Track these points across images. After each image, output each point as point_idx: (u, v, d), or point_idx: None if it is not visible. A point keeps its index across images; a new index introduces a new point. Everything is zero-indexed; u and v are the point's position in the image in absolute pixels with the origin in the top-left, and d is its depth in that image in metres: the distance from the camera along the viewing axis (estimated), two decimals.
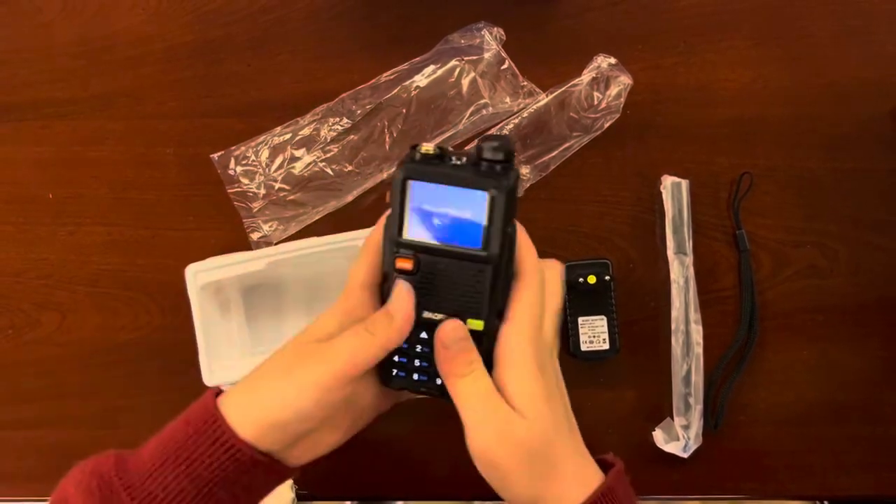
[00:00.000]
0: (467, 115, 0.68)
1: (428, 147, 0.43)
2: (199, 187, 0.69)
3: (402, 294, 0.44)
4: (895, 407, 0.67)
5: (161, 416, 0.67)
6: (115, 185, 0.70)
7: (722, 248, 0.68)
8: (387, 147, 0.68)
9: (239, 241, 0.68)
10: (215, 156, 0.69)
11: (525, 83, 0.69)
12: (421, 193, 0.43)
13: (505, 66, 0.69)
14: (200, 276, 0.61)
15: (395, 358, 0.47)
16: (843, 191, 0.68)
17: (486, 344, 0.46)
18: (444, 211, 0.43)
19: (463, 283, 0.44)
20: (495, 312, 0.45)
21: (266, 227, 0.68)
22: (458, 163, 0.43)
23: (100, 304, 0.69)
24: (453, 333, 0.45)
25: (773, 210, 0.68)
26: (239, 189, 0.68)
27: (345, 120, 0.69)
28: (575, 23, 0.71)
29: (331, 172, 0.68)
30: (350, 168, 0.68)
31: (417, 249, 0.44)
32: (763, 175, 0.68)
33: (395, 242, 0.44)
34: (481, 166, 0.42)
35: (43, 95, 0.71)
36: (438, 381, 0.47)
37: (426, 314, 0.45)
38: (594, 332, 0.65)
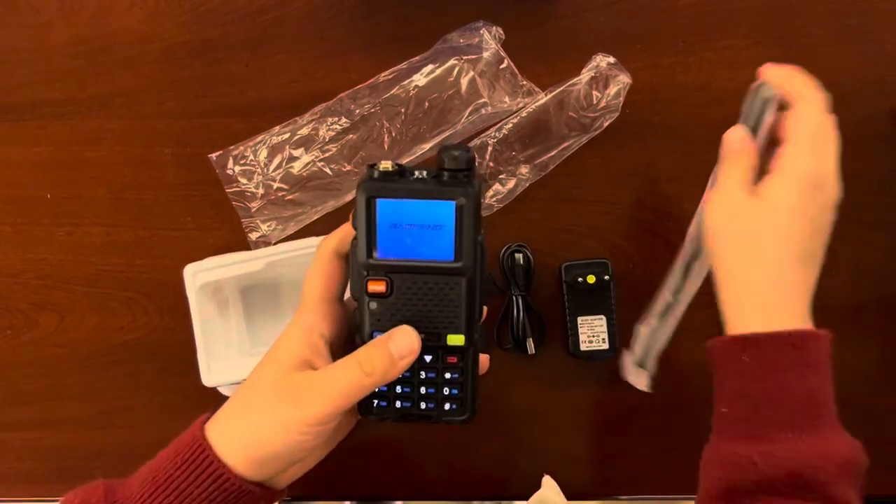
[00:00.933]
0: (466, 114, 0.68)
1: (386, 164, 0.42)
2: (198, 187, 0.69)
3: (411, 337, 0.44)
4: (894, 406, 0.67)
5: (160, 416, 0.68)
6: (113, 185, 0.70)
7: None
8: (386, 147, 0.68)
9: (237, 241, 0.68)
10: (213, 156, 0.69)
11: (524, 82, 0.68)
12: (386, 211, 0.42)
13: (504, 65, 0.68)
14: (199, 276, 0.61)
15: (376, 388, 0.45)
16: (842, 190, 0.68)
17: (469, 359, 0.45)
18: (411, 226, 0.42)
19: (438, 299, 0.44)
20: (475, 325, 0.45)
21: (265, 227, 0.68)
22: (420, 176, 0.42)
23: (98, 305, 0.69)
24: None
25: None
26: (237, 189, 0.68)
27: (343, 119, 0.68)
28: (573, 22, 0.71)
29: (329, 172, 0.68)
30: (349, 168, 0.68)
31: (388, 270, 0.43)
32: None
33: (364, 265, 0.43)
34: (443, 177, 0.42)
35: (40, 95, 0.71)
36: (423, 405, 0.46)
37: None
38: (593, 332, 0.65)
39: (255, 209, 0.68)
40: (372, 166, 0.43)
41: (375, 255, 0.43)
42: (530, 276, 0.67)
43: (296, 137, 0.68)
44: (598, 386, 0.67)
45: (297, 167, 0.68)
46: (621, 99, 0.67)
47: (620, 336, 0.65)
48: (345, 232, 0.45)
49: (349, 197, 0.68)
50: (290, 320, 0.47)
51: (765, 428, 0.46)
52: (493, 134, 0.68)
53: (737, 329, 0.49)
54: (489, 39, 0.68)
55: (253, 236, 0.68)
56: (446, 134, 0.68)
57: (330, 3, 0.71)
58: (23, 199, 0.70)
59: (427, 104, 0.68)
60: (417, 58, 0.69)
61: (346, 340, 0.48)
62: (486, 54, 0.68)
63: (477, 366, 0.47)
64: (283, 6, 0.72)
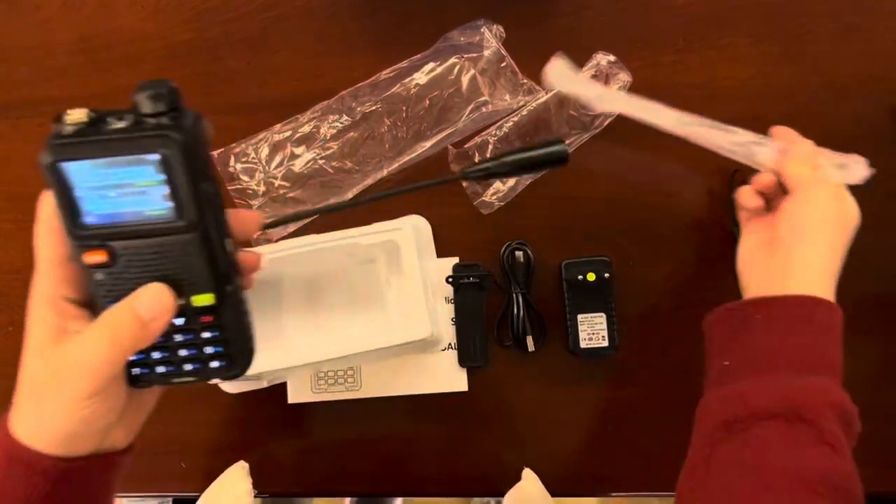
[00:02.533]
0: (467, 112, 0.68)
1: (77, 115, 0.37)
2: None
3: (158, 294, 0.39)
4: (894, 404, 0.67)
5: (161, 411, 0.67)
6: None
7: (721, 244, 0.68)
8: (386, 145, 0.68)
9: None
10: (215, 153, 0.69)
11: (525, 80, 0.69)
12: (81, 173, 0.36)
13: (504, 63, 0.69)
14: None
15: (131, 357, 0.41)
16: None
17: (225, 315, 0.41)
18: (118, 186, 0.36)
19: (174, 260, 0.38)
20: (224, 278, 0.40)
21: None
22: (118, 125, 0.36)
23: None
24: None
25: None
26: (239, 186, 0.68)
27: (344, 117, 0.69)
28: (574, 20, 0.71)
29: (330, 170, 0.68)
30: (350, 165, 0.68)
31: (104, 237, 0.37)
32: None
33: (74, 235, 0.37)
34: (144, 124, 0.36)
35: (42, 93, 0.71)
36: (187, 367, 0.42)
37: None
38: (593, 330, 0.65)
39: (256, 207, 0.68)
40: (59, 118, 0.37)
41: (82, 222, 0.37)
42: (530, 274, 0.67)
43: (297, 135, 0.69)
44: (598, 383, 0.67)
45: (298, 165, 0.68)
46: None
47: (620, 334, 0.65)
48: None
49: (350, 195, 0.69)
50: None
51: (762, 368, 0.50)
52: (493, 132, 0.68)
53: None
54: (490, 38, 0.68)
55: (254, 234, 0.68)
56: (447, 132, 0.68)
57: (331, 1, 0.72)
58: (24, 197, 0.70)
59: (428, 102, 0.68)
60: (418, 56, 0.69)
61: None
62: (486, 52, 0.68)
63: (240, 316, 0.42)
64: (284, 4, 0.72)
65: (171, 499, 0.82)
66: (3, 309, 0.69)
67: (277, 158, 0.68)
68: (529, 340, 0.66)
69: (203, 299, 0.39)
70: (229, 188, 0.69)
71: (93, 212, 0.37)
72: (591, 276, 0.65)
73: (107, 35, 0.72)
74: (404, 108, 0.68)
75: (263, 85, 0.71)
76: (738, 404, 0.49)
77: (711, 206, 0.68)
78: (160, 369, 0.42)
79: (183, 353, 0.42)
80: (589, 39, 0.70)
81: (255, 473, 0.65)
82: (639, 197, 0.69)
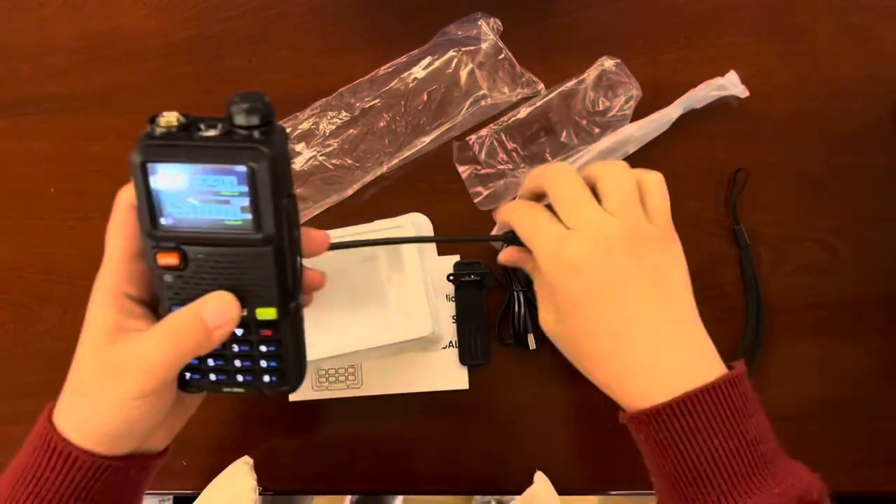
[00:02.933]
0: (466, 105, 0.68)
1: (170, 118, 0.37)
2: None
3: (225, 303, 0.40)
4: (894, 404, 0.67)
5: None
6: (116, 179, 0.69)
7: (722, 243, 0.68)
8: (386, 140, 0.68)
9: None
10: None
11: (523, 73, 0.69)
12: (168, 176, 0.36)
13: (502, 56, 0.68)
14: None
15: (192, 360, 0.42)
16: (842, 187, 0.68)
17: (284, 330, 0.41)
18: (201, 193, 0.37)
19: (243, 271, 0.39)
20: (289, 295, 0.40)
21: None
22: (209, 133, 0.37)
23: None
24: None
25: (773, 206, 0.68)
26: None
27: (343, 113, 0.69)
28: (575, 19, 0.71)
29: (330, 167, 0.68)
30: (350, 162, 0.68)
31: (179, 241, 0.38)
32: (763, 171, 0.68)
33: (150, 235, 0.38)
34: (235, 134, 0.36)
35: (44, 90, 0.71)
36: (239, 378, 0.43)
37: None
38: None
39: None
40: (153, 119, 0.37)
41: (161, 223, 0.38)
42: None
43: (296, 132, 0.69)
44: None
45: (298, 162, 0.68)
46: (631, 109, 0.68)
47: None
48: None
49: (350, 191, 0.69)
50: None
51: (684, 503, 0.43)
52: (494, 128, 0.68)
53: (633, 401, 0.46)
54: (487, 31, 0.68)
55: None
56: (446, 126, 0.68)
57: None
58: (26, 194, 0.70)
59: (426, 96, 0.68)
60: (416, 51, 0.69)
61: None
62: (484, 45, 0.68)
63: (298, 334, 0.42)
64: (285, 2, 0.72)
65: (171, 497, 0.82)
66: (5, 306, 0.69)
67: None
68: (531, 338, 0.66)
69: (266, 313, 0.40)
70: None
71: (172, 214, 0.37)
72: None
73: (108, 33, 0.72)
74: (403, 102, 0.68)
75: (264, 83, 0.71)
76: None
77: (711, 205, 0.68)
78: (213, 377, 0.42)
79: (238, 363, 0.42)
80: (589, 38, 0.70)
81: (255, 470, 0.65)
82: None
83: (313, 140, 0.69)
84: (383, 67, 0.69)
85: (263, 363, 0.42)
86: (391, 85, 0.69)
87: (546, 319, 0.50)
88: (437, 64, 0.69)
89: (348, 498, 1.36)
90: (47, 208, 0.70)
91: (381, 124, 0.69)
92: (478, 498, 1.37)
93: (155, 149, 0.36)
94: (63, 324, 0.69)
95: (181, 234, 0.38)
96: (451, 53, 0.69)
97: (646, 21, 0.70)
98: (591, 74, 0.68)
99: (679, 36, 0.70)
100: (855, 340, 0.67)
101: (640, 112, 0.68)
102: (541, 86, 0.68)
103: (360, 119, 0.69)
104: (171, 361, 0.40)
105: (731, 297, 0.67)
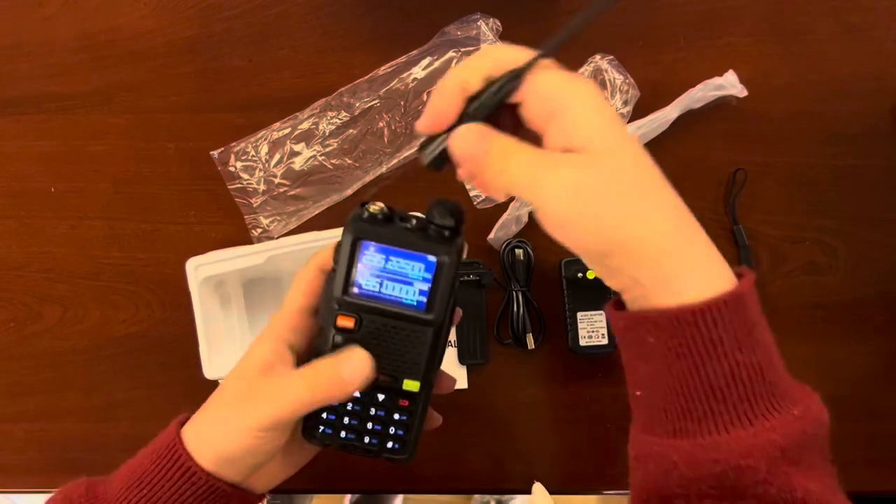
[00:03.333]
0: None
1: (377, 206, 0.43)
2: (200, 182, 0.70)
3: (363, 363, 0.44)
4: (894, 403, 0.67)
5: (161, 408, 0.68)
6: (116, 179, 0.70)
7: (721, 243, 0.67)
8: (385, 140, 0.68)
9: (240, 236, 0.68)
10: (215, 153, 0.69)
11: None
12: (369, 254, 0.43)
13: None
14: (201, 269, 0.61)
15: (324, 415, 0.47)
16: (842, 187, 0.68)
17: (418, 404, 0.46)
18: (390, 273, 0.43)
19: (403, 344, 0.44)
20: (432, 374, 0.46)
21: (267, 222, 0.68)
22: (407, 225, 0.43)
23: (101, 298, 0.69)
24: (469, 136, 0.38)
25: (772, 206, 0.68)
26: (239, 185, 0.69)
27: (343, 114, 0.69)
28: (573, 19, 0.71)
29: (330, 167, 0.68)
30: (349, 162, 0.68)
31: (359, 309, 0.44)
32: (762, 171, 0.68)
33: (337, 300, 0.44)
34: (430, 230, 0.42)
35: (44, 89, 0.71)
36: (366, 439, 0.47)
37: None
38: (593, 328, 0.65)
39: (257, 205, 0.68)
40: (363, 205, 0.43)
41: (351, 292, 0.43)
42: (530, 272, 0.67)
43: (296, 132, 0.69)
44: (598, 381, 0.67)
45: (298, 162, 0.68)
46: (629, 108, 0.68)
47: None
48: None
49: (350, 191, 0.69)
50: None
51: (684, 420, 0.38)
52: None
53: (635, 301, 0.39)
54: (486, 31, 0.69)
55: (255, 231, 0.68)
56: None
57: None
58: (27, 193, 0.70)
59: (426, 97, 0.68)
60: (416, 51, 0.69)
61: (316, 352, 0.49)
62: (483, 45, 0.68)
63: (426, 411, 0.47)
64: (285, 2, 0.72)
65: None
66: (5, 305, 0.70)
67: (277, 156, 0.69)
68: (529, 338, 0.66)
69: (411, 385, 0.45)
70: (230, 187, 0.69)
71: (362, 285, 0.43)
72: (591, 275, 0.65)
73: (109, 32, 0.72)
74: (402, 102, 0.69)
75: (265, 82, 0.71)
76: (666, 474, 0.38)
77: (710, 205, 0.68)
78: (344, 434, 0.47)
79: (370, 425, 0.47)
80: (589, 38, 0.70)
81: None
82: None
83: (313, 140, 0.69)
84: (383, 67, 0.69)
85: (392, 430, 0.47)
86: (391, 85, 0.69)
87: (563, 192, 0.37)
88: (436, 64, 0.69)
89: (348, 497, 1.36)
90: (47, 207, 0.70)
91: (381, 124, 0.69)
92: (477, 497, 1.37)
93: (367, 229, 0.42)
94: (63, 323, 0.69)
95: (364, 304, 0.44)
96: (450, 54, 0.69)
97: (645, 21, 0.71)
98: (585, 72, 0.68)
99: (678, 36, 0.70)
100: (854, 340, 0.67)
101: (639, 112, 0.68)
102: None
103: (359, 119, 0.69)
104: (302, 403, 0.43)
105: None
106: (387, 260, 0.43)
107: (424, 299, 0.43)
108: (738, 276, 0.39)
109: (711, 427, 0.37)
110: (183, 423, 0.47)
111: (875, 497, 0.69)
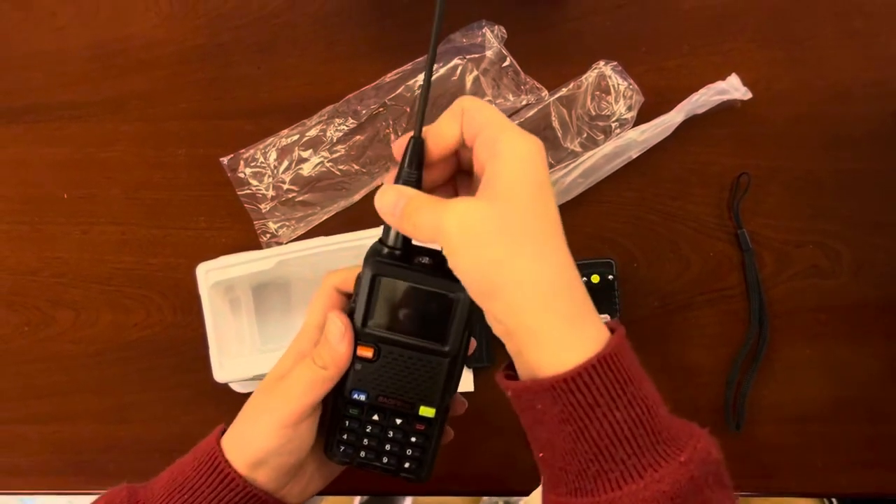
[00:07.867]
0: None
1: (395, 243, 0.44)
2: (210, 188, 0.70)
3: (337, 323, 0.45)
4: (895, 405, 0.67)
5: (172, 411, 0.69)
6: (127, 185, 0.71)
7: (725, 247, 0.68)
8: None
9: (249, 241, 0.69)
10: (224, 159, 0.70)
11: (527, 80, 0.69)
12: (387, 289, 0.44)
13: (507, 63, 0.69)
14: (211, 274, 0.62)
15: (344, 435, 0.49)
16: (845, 191, 0.69)
17: (434, 429, 0.48)
18: (408, 307, 0.45)
19: (419, 373, 0.46)
20: (448, 401, 0.48)
21: (276, 228, 0.69)
22: (424, 261, 0.44)
23: (113, 302, 0.70)
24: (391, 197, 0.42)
25: (776, 210, 0.69)
26: (248, 191, 0.69)
27: (350, 120, 0.70)
28: (579, 25, 0.71)
29: (338, 172, 0.69)
30: (357, 168, 0.69)
31: (378, 339, 0.45)
32: (766, 175, 0.69)
33: (357, 331, 0.45)
34: (446, 266, 0.42)
35: (57, 98, 0.72)
36: (384, 459, 0.49)
37: (381, 399, 0.47)
38: None
39: (266, 210, 0.69)
40: (381, 242, 0.45)
41: (370, 324, 0.45)
42: None
43: (304, 139, 0.70)
44: None
45: (306, 168, 0.69)
46: (633, 114, 0.68)
47: None
48: (349, 272, 0.47)
49: (358, 197, 0.69)
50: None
51: (582, 480, 0.39)
52: None
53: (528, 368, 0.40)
54: (491, 38, 0.69)
55: (264, 237, 0.69)
56: None
57: (340, 8, 0.73)
58: (40, 199, 0.71)
59: (432, 103, 0.69)
60: (422, 58, 0.70)
61: None
62: (488, 53, 0.69)
63: (441, 435, 0.49)
64: (294, 11, 0.73)
65: None
66: (19, 309, 0.71)
67: (285, 163, 0.69)
68: None
69: (427, 411, 0.47)
70: (239, 193, 0.70)
71: (380, 318, 0.45)
72: (596, 279, 0.66)
73: (120, 41, 0.73)
74: (409, 109, 0.69)
75: (273, 90, 0.72)
76: None
77: (714, 209, 0.69)
78: (363, 454, 0.49)
79: (388, 447, 0.49)
80: (594, 44, 0.70)
81: None
82: (643, 200, 0.69)
83: (321, 146, 0.70)
84: (389, 75, 0.70)
85: (409, 451, 0.49)
86: (397, 92, 0.69)
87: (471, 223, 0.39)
88: (442, 71, 0.69)
89: (357, 499, 1.36)
90: (60, 213, 0.71)
91: (388, 130, 0.70)
92: (486, 499, 1.37)
93: (386, 267, 0.44)
94: (75, 327, 0.70)
95: (382, 335, 0.45)
96: (455, 61, 0.69)
97: (649, 28, 0.71)
98: (588, 78, 0.69)
99: (682, 42, 0.71)
100: (857, 344, 0.67)
101: (643, 117, 0.69)
102: (545, 93, 0.69)
103: (366, 125, 0.70)
104: (314, 382, 0.46)
105: (733, 301, 0.68)
106: (404, 295, 0.44)
107: (441, 333, 0.45)
108: (611, 330, 0.40)
109: (606, 485, 0.38)
110: (223, 433, 0.49)
111: (878, 499, 0.69)
